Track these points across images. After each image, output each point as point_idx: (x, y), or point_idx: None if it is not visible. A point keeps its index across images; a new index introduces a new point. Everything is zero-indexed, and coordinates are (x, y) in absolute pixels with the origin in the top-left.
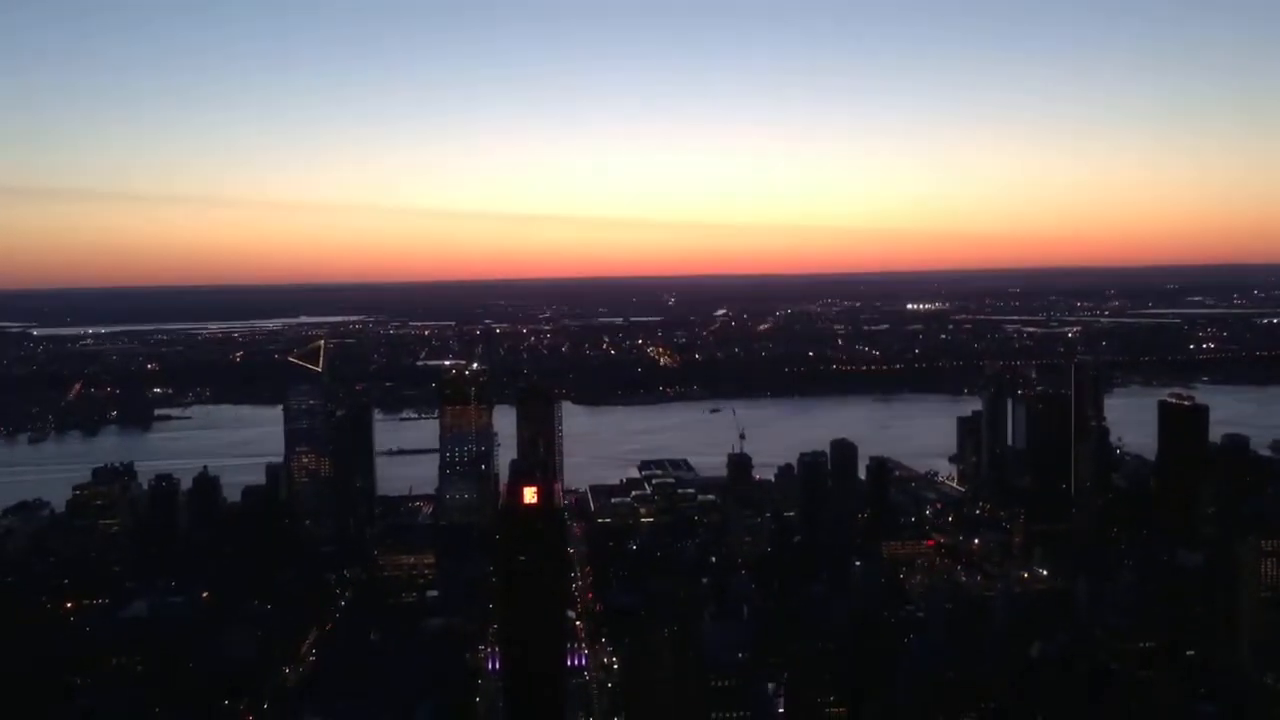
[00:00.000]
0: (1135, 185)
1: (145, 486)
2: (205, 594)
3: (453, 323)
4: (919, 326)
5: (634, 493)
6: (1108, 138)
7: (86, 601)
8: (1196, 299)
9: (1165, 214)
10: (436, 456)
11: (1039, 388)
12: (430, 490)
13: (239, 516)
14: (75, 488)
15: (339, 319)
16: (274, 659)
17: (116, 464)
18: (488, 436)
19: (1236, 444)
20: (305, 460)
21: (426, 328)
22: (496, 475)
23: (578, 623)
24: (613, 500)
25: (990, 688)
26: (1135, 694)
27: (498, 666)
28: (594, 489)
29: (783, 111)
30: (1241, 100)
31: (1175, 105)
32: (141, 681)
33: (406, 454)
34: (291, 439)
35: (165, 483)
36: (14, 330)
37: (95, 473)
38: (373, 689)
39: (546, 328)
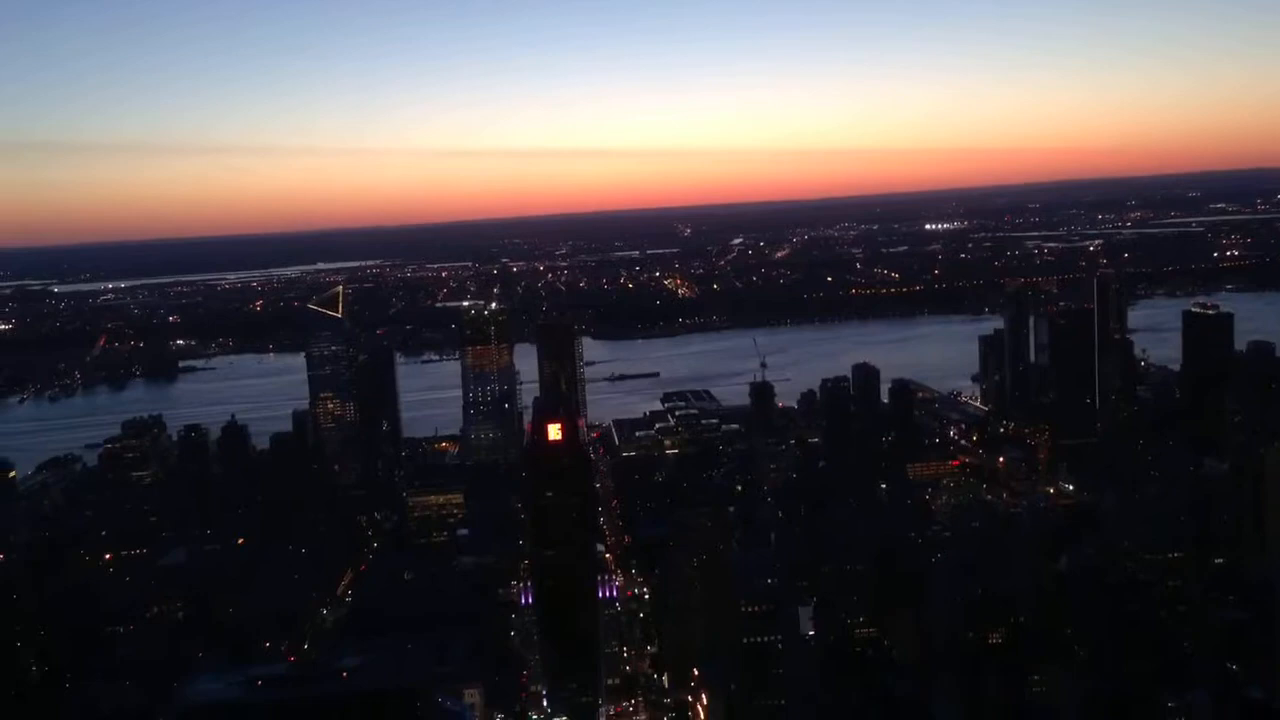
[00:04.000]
0: (1152, 93)
1: (175, 437)
2: (240, 540)
3: (470, 263)
4: (938, 246)
5: (658, 425)
6: (1123, 47)
7: (124, 552)
8: (1219, 206)
9: (1184, 121)
10: (459, 396)
11: (1061, 303)
12: (455, 431)
13: (269, 463)
14: (106, 441)
15: (356, 264)
16: (311, 601)
17: (145, 416)
18: (510, 375)
19: (1262, 351)
20: (330, 406)
21: (444, 269)
22: (520, 413)
23: (607, 555)
24: (637, 433)
25: (1019, 603)
26: (1164, 604)
27: (530, 601)
28: (618, 423)
29: (794, 33)
30: (1258, 3)
31: (1191, 10)
32: (182, 628)
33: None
34: (316, 385)
35: (195, 433)
36: (35, 288)
37: (125, 425)
38: (409, 627)
39: (563, 264)
